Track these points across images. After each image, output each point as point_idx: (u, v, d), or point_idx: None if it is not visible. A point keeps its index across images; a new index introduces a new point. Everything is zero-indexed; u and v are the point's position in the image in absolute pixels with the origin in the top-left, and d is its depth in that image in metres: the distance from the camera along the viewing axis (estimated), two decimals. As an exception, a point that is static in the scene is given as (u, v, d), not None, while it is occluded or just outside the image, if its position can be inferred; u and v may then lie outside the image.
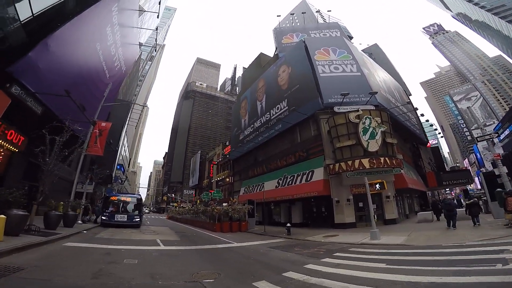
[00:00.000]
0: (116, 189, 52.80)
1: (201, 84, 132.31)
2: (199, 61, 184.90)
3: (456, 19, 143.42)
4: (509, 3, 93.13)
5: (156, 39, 46.58)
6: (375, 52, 52.35)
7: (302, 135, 23.79)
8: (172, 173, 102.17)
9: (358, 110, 17.84)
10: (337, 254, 8.59)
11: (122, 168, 77.19)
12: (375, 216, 11.73)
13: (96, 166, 25.59)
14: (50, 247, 8.33)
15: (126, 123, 45.77)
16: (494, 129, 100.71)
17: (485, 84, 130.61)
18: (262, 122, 29.34)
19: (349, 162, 16.41)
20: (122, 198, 20.28)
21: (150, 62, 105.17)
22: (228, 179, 40.35)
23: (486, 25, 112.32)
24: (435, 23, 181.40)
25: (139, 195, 23.81)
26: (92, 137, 19.92)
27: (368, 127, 16.72)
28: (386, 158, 16.26)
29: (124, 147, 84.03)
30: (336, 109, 19.75)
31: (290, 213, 23.73)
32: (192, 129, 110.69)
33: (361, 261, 7.15)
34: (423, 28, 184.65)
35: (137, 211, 19.78)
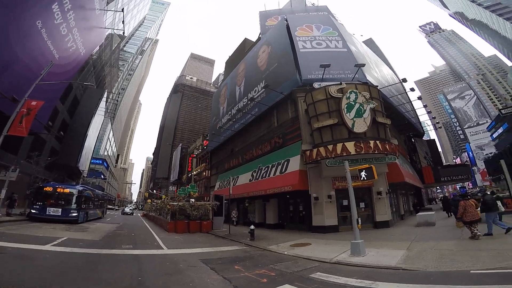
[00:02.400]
0: (93, 184, 48.56)
1: (191, 78, 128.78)
2: (193, 57, 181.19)
3: (453, 17, 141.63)
4: (505, 0, 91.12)
5: (122, 28, 41.85)
6: (370, 47, 49.52)
7: (279, 118, 20.30)
8: (158, 168, 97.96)
9: (340, 83, 14.25)
10: (285, 287, 4.94)
11: (105, 164, 73.09)
12: (359, 219, 8.08)
13: (37, 153, 21.60)
14: None
15: (95, 112, 41.47)
16: (487, 128, 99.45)
17: (479, 83, 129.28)
18: (240, 107, 25.71)
19: (330, 147, 12.75)
20: (59, 189, 17.31)
21: (141, 56, 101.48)
22: (204, 173, 36.61)
23: (483, 24, 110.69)
24: (432, 21, 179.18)
25: (83, 186, 20.24)
26: (17, 116, 16.69)
27: (353, 103, 13.07)
28: (377, 142, 12.63)
29: (110, 142, 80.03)
30: (316, 85, 16.10)
31: (264, 212, 20.18)
32: (180, 123, 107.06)
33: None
34: (420, 27, 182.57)
35: (76, 205, 16.97)
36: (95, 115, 41.63)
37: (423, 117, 32.30)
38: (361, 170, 8.04)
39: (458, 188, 56.60)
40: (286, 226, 17.82)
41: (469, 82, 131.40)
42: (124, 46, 74.27)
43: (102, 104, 47.71)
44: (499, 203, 8.70)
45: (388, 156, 13.12)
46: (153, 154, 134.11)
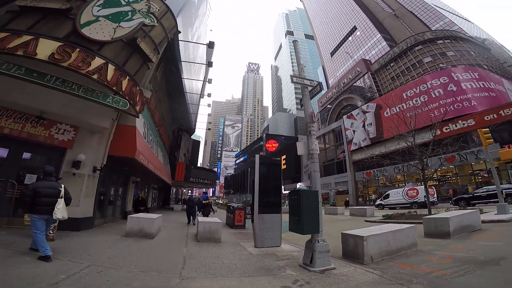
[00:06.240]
0: None
1: None
2: None
3: (270, 69, 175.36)
4: (305, 63, 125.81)
5: None
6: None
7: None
8: None
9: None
10: None
11: None
12: None
13: None
14: None
15: None
16: (235, 155, 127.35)
17: (248, 122, 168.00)
18: None
19: (3, 35, 5.01)
20: None
21: None
22: None
23: (280, 84, 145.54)
24: (258, 63, 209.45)
25: None
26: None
27: (123, 3, 6.54)
28: (112, 68, 6.32)
29: None
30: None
31: None
32: None
33: None
34: (249, 62, 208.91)
35: None
36: None
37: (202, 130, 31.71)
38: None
39: (202, 193, 63.89)
40: None
41: (243, 118, 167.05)
42: None
43: None
44: (59, 207, 4.67)
45: (116, 99, 6.67)
46: None
